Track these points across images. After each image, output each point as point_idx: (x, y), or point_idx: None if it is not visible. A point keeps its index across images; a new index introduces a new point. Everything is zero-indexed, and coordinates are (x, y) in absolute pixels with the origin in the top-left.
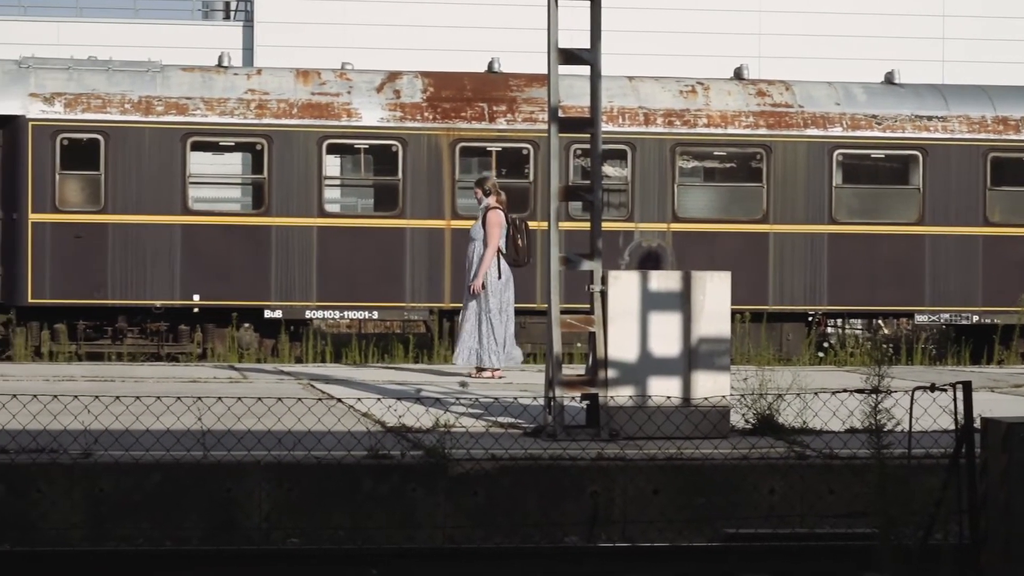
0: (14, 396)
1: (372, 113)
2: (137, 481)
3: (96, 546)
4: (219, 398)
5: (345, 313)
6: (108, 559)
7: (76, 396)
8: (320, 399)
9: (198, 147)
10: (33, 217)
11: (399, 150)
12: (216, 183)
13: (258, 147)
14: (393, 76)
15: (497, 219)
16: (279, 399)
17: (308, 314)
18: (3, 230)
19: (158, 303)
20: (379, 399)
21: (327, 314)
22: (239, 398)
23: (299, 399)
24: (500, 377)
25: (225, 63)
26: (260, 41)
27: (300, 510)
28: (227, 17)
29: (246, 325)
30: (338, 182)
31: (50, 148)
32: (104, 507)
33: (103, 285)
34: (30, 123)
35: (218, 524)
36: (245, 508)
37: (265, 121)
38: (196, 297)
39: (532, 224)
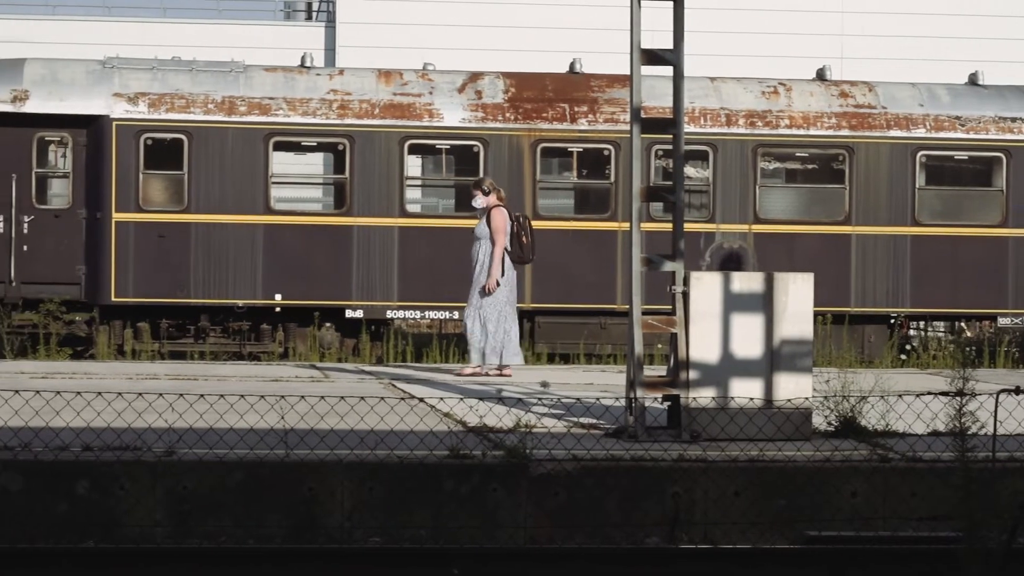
0: (99, 394)
1: (453, 113)
2: (220, 479)
3: (179, 544)
4: (302, 397)
5: (426, 313)
6: (191, 557)
7: (161, 394)
8: (403, 398)
9: (280, 147)
10: (117, 216)
11: (480, 150)
12: (298, 183)
13: (340, 147)
14: (475, 77)
15: (503, 217)
16: (362, 398)
17: (389, 314)
18: (87, 229)
19: (240, 302)
20: (461, 399)
21: (408, 314)
22: (322, 397)
23: (382, 398)
24: (506, 374)
25: (308, 63)
26: (342, 41)
27: (382, 509)
28: (309, 17)
29: (327, 325)
30: (419, 182)
31: (134, 148)
32: (187, 505)
33: (186, 284)
34: (114, 123)
35: (300, 523)
36: (327, 507)
37: (347, 121)
38: (278, 296)
39: (612, 225)
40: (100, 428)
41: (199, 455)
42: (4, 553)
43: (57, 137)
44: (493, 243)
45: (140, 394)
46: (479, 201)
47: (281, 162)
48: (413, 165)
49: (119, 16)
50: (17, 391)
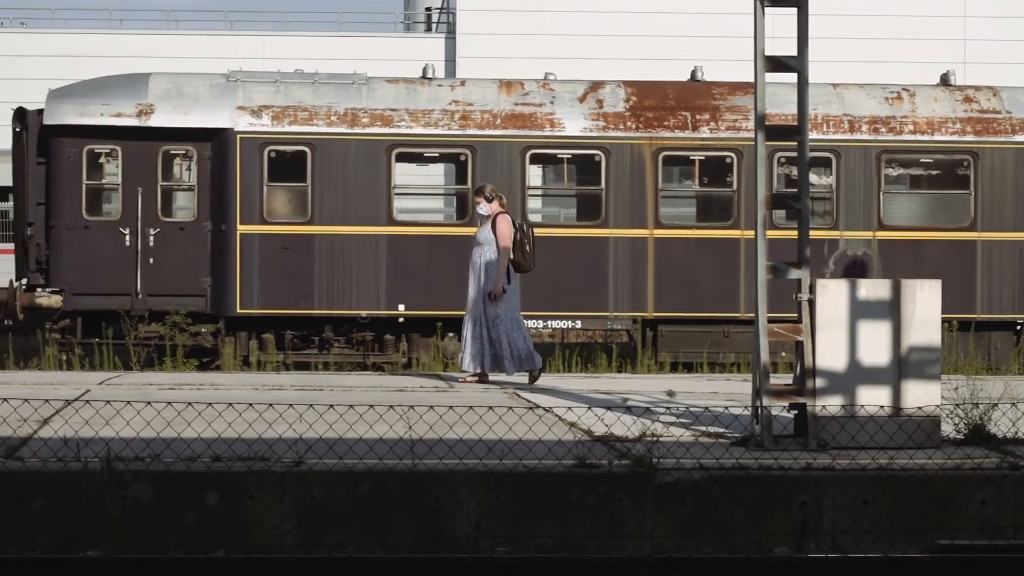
0: (230, 405)
1: (575, 123)
2: (349, 489)
3: (308, 554)
4: (431, 407)
5: (548, 323)
6: (320, 566)
7: (291, 405)
8: (531, 408)
9: (403, 158)
10: (241, 228)
11: (602, 160)
12: (421, 194)
13: (462, 158)
14: (596, 86)
15: (508, 225)
16: (490, 408)
17: None
18: (212, 241)
19: (364, 313)
20: (588, 408)
21: (530, 323)
22: (451, 407)
23: (510, 408)
24: (470, 381)
25: (429, 74)
26: (462, 52)
27: (509, 519)
28: (428, 29)
29: (450, 335)
30: (540, 192)
31: (258, 160)
32: (315, 515)
33: (310, 295)
34: (238, 136)
35: (427, 532)
36: (454, 517)
37: (469, 132)
38: (401, 307)
39: (735, 233)
40: (231, 439)
41: (329, 465)
42: (137, 563)
43: (182, 150)
44: (498, 250)
45: (270, 404)
46: (483, 208)
47: (403, 173)
48: (534, 175)
49: (241, 30)
50: (149, 402)
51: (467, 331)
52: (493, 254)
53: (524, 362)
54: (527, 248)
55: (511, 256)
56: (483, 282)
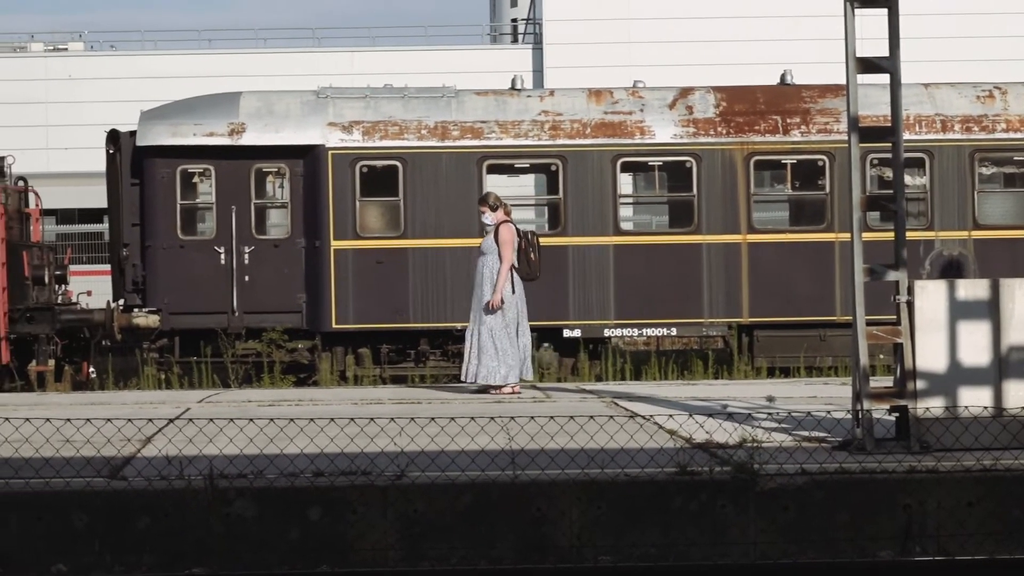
0: (332, 420)
1: (665, 130)
2: (451, 501)
3: (411, 567)
4: (532, 417)
5: (643, 330)
6: None
7: (392, 419)
8: (631, 416)
9: (493, 170)
10: (335, 244)
11: (693, 166)
12: (512, 205)
13: (553, 168)
14: (685, 92)
15: (510, 233)
16: (591, 417)
17: (606, 332)
18: (306, 258)
19: (459, 325)
20: (689, 415)
21: (625, 332)
22: (551, 417)
23: (611, 417)
24: (517, 393)
25: (518, 85)
26: (549, 63)
27: (611, 528)
28: (515, 40)
29: (545, 345)
30: (632, 200)
31: (350, 176)
32: (417, 528)
33: (404, 309)
34: (329, 152)
35: (530, 543)
36: (556, 526)
37: (559, 142)
38: None
39: (829, 236)
40: (333, 454)
41: (431, 478)
42: None
43: (274, 168)
44: (500, 259)
45: (372, 419)
46: (488, 218)
47: (494, 184)
48: (625, 183)
49: (329, 47)
50: (251, 419)
51: (474, 344)
52: (496, 263)
53: (515, 370)
54: (532, 256)
55: (515, 265)
56: (484, 292)
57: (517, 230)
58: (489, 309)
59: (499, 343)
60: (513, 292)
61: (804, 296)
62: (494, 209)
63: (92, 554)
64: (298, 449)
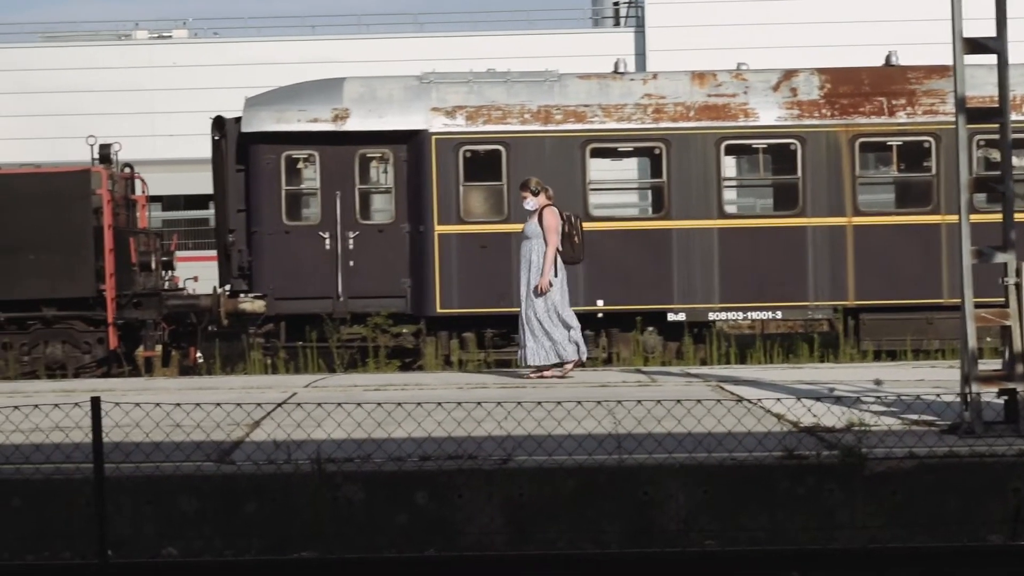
0: (439, 404)
1: (769, 112)
2: (557, 485)
3: (518, 551)
4: (639, 401)
5: (748, 314)
6: (530, 563)
7: (499, 403)
8: (738, 400)
9: (597, 153)
10: (439, 229)
11: (797, 148)
12: (615, 189)
13: (656, 151)
14: (789, 74)
15: (555, 218)
16: (698, 401)
17: (711, 316)
18: (410, 243)
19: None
20: (797, 399)
21: (729, 315)
22: (658, 401)
23: (719, 401)
24: (569, 375)
25: (621, 69)
26: (652, 46)
27: (718, 511)
28: (617, 24)
29: (649, 329)
30: (736, 182)
31: (453, 161)
32: (524, 512)
33: (508, 294)
34: (433, 137)
35: (636, 527)
36: (663, 510)
37: (663, 125)
38: (600, 302)
39: (935, 218)
40: (441, 438)
41: (538, 462)
42: (350, 562)
43: (378, 153)
44: (545, 243)
45: (479, 403)
46: (530, 203)
47: (598, 168)
48: (729, 166)
49: (432, 31)
50: (359, 404)
51: (526, 328)
52: (542, 247)
53: (558, 353)
54: (576, 240)
55: (560, 248)
56: (531, 276)
57: (560, 213)
58: (537, 292)
59: (545, 325)
60: (556, 275)
61: (910, 279)
62: (536, 194)
63: (202, 538)
64: (405, 433)
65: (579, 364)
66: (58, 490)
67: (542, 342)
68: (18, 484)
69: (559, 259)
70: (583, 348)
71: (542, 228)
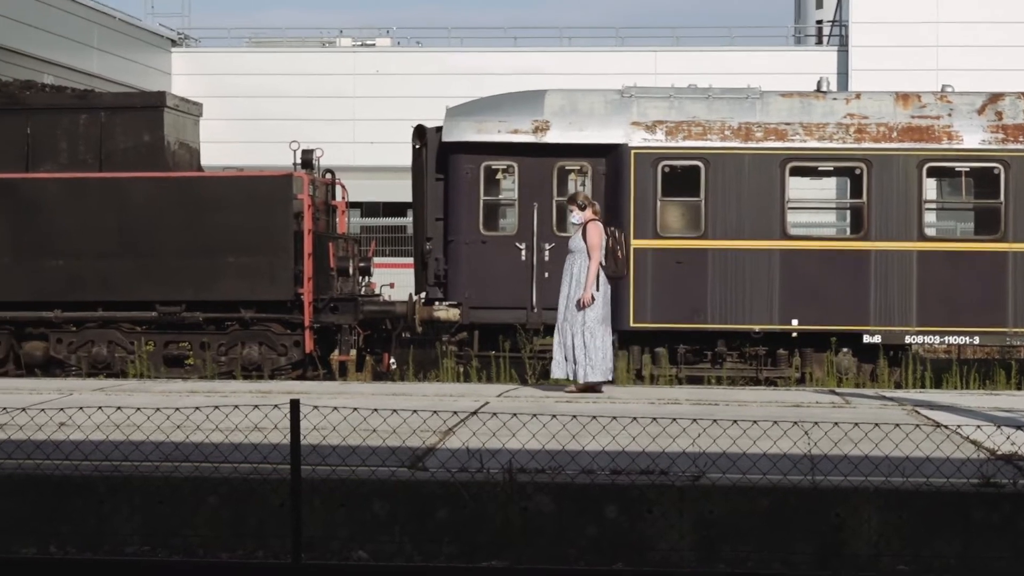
0: (634, 419)
1: (973, 136)
2: (749, 504)
3: (708, 568)
4: (835, 423)
5: (944, 338)
6: None
7: (694, 420)
8: (936, 426)
9: (796, 172)
10: (635, 243)
11: (1001, 172)
12: (813, 208)
13: (857, 171)
14: (995, 98)
15: (599, 232)
16: (897, 425)
17: (907, 339)
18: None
19: (757, 327)
20: (997, 427)
21: (926, 339)
22: (856, 423)
23: (917, 426)
24: (601, 391)
25: (824, 88)
26: (855, 65)
27: (911, 537)
28: (819, 42)
29: (844, 350)
30: (936, 205)
31: (651, 175)
32: (715, 529)
33: (702, 310)
34: (632, 151)
35: (827, 549)
36: (854, 534)
37: (864, 145)
38: (794, 322)
39: None
40: (634, 452)
41: (732, 480)
42: (539, 573)
43: (576, 166)
44: (589, 258)
45: (674, 419)
46: (576, 217)
47: (796, 187)
48: (930, 188)
49: (633, 46)
50: (554, 415)
51: (559, 341)
52: (585, 262)
53: (596, 371)
54: (619, 255)
55: (603, 263)
56: (573, 290)
57: (605, 228)
58: (580, 307)
59: (577, 341)
60: (598, 289)
61: None
62: (582, 208)
63: (393, 543)
64: (599, 447)
65: (594, 388)
66: (254, 490)
67: (573, 357)
68: (216, 482)
69: (602, 274)
70: (608, 369)
71: (586, 243)
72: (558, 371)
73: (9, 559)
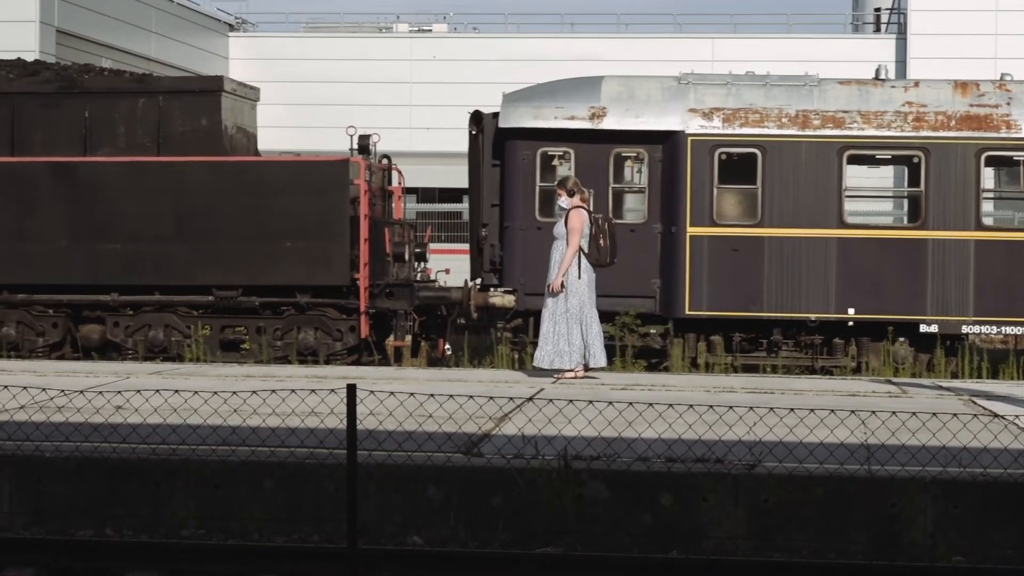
0: (690, 407)
1: None
2: (804, 493)
3: (763, 556)
4: (894, 412)
5: (1001, 328)
6: (771, 570)
7: (751, 408)
8: (993, 416)
9: (853, 160)
10: (691, 231)
11: None
12: (870, 196)
13: (914, 160)
14: None
15: (578, 219)
16: (954, 415)
17: (964, 329)
18: (662, 243)
19: (813, 316)
20: None
21: (983, 329)
22: (914, 413)
23: (975, 416)
24: (581, 377)
25: (882, 76)
26: (913, 53)
27: (967, 527)
28: (877, 30)
29: (901, 339)
30: (995, 195)
31: (708, 162)
32: (770, 518)
33: (758, 298)
34: (689, 138)
35: (883, 539)
36: (910, 524)
37: (922, 134)
38: (850, 311)
39: None
40: (690, 440)
41: (788, 469)
42: (593, 560)
43: (633, 153)
44: (567, 244)
45: (730, 407)
46: (564, 202)
47: (853, 175)
48: (987, 177)
49: (690, 32)
50: (610, 402)
51: (544, 328)
52: (564, 248)
53: (585, 357)
54: (602, 243)
55: (584, 251)
56: (551, 276)
57: (590, 215)
58: (550, 293)
59: (558, 327)
60: (580, 277)
61: None
62: (571, 195)
63: (447, 528)
64: (655, 434)
65: (583, 374)
66: (310, 474)
67: (555, 344)
68: (272, 466)
69: (584, 261)
70: (600, 356)
71: (567, 229)
72: (540, 360)
73: (66, 541)
